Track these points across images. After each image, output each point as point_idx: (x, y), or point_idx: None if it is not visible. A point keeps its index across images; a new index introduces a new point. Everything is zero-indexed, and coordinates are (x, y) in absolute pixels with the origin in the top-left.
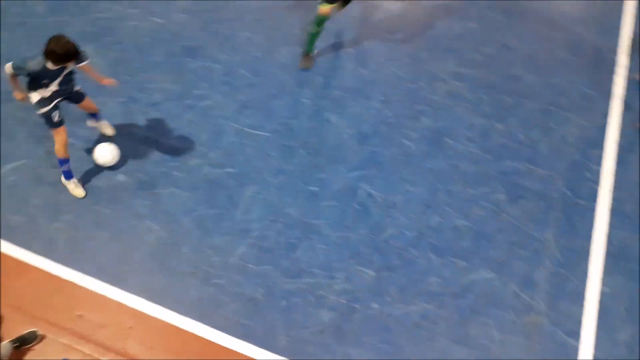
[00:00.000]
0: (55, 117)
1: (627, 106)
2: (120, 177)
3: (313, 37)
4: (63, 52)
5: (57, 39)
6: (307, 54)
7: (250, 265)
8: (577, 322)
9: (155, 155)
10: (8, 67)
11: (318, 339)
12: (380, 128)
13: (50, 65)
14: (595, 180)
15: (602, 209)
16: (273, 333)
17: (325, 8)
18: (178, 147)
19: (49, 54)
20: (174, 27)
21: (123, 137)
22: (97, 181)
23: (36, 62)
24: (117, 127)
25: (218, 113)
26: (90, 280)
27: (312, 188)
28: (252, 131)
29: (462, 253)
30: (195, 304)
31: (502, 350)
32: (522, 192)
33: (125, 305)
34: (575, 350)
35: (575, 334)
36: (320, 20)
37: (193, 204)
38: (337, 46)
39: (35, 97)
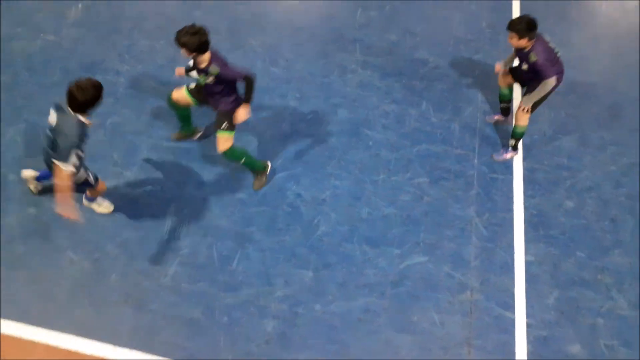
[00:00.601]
0: None
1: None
2: (30, 210)
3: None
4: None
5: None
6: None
7: (184, 285)
8: (510, 294)
9: None
10: (68, 169)
11: (264, 350)
12: (300, 126)
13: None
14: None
15: (517, 179)
16: (217, 351)
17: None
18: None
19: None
20: (68, 43)
21: (28, 167)
22: (5, 217)
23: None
24: (19, 157)
25: (128, 129)
26: (14, 325)
27: (239, 196)
28: (169, 144)
29: (395, 240)
30: (131, 333)
31: (443, 331)
32: (441, 173)
33: (55, 347)
34: (512, 322)
35: (510, 306)
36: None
37: (115, 228)
38: (244, 46)
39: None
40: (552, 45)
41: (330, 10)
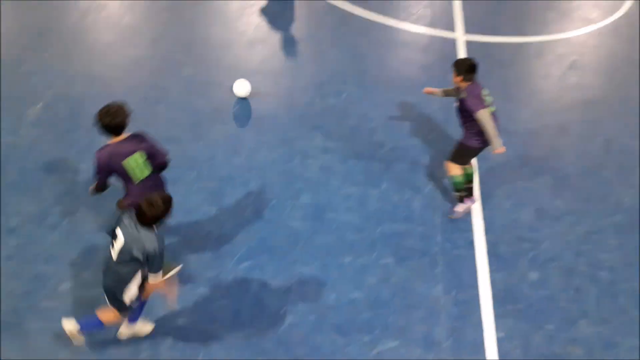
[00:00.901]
0: None
1: (481, 157)
2: None
3: None
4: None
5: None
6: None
7: None
8: None
9: (19, 288)
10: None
11: None
12: (263, 213)
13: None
14: (468, 228)
15: (480, 254)
16: None
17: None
18: (45, 274)
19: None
20: (27, 142)
21: None
22: None
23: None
24: None
25: (88, 227)
26: None
27: (200, 289)
28: None
29: (364, 326)
30: None
31: None
32: (406, 252)
33: None
34: None
35: None
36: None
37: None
38: (206, 138)
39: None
40: (485, 94)
41: (290, 100)
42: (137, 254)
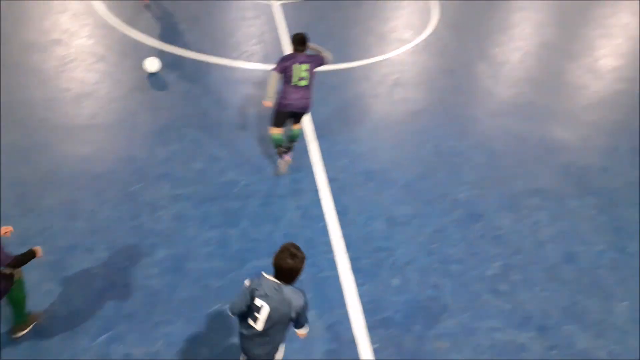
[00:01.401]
0: None
1: (331, 179)
2: None
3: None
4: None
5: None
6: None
7: None
8: None
9: None
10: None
11: None
12: (115, 278)
13: None
14: (329, 250)
15: (344, 272)
16: None
17: None
18: None
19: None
20: None
21: None
22: None
23: None
24: None
25: None
26: None
27: None
28: None
29: None
30: None
31: None
32: None
33: None
34: None
35: None
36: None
37: None
38: (37, 209)
39: None
40: (303, 69)
41: (127, 152)
42: (292, 314)
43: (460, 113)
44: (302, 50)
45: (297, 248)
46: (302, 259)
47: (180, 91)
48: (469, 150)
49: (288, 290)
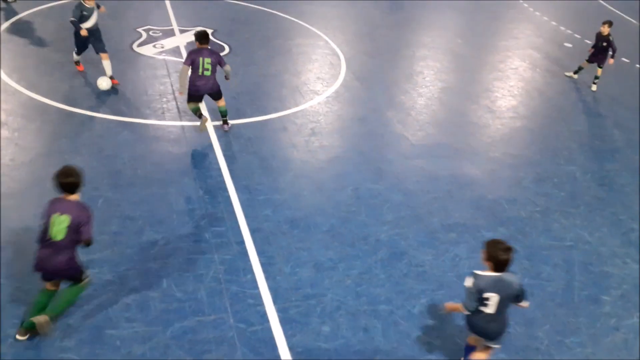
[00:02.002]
0: None
1: (255, 230)
2: None
3: None
4: None
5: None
6: None
7: None
8: None
9: None
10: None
11: None
12: (27, 355)
13: None
14: (258, 302)
15: (274, 324)
16: None
17: None
18: None
19: None
20: None
21: None
22: None
23: None
24: None
25: None
26: None
27: None
28: None
29: None
30: None
31: None
32: (202, 346)
33: None
34: None
35: None
36: None
37: None
38: None
39: None
40: (206, 62)
41: (37, 221)
42: (516, 292)
43: (375, 157)
44: (206, 44)
45: (503, 242)
46: (513, 250)
47: (91, 152)
48: (386, 191)
49: (507, 275)
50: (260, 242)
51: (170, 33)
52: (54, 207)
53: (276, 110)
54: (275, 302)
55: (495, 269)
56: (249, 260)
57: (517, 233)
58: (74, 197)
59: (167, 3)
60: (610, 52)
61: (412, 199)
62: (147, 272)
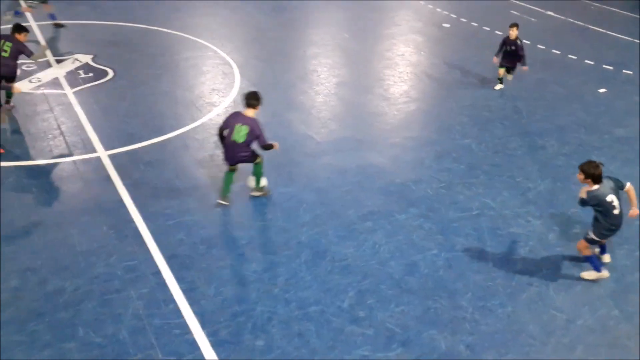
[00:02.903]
0: None
1: (170, 257)
2: None
3: None
4: None
5: None
6: None
7: None
8: None
9: None
10: None
11: None
12: None
13: None
14: (185, 331)
15: (206, 350)
16: None
17: None
18: None
19: None
20: None
21: None
22: None
23: None
24: None
25: None
26: None
27: None
28: None
29: None
30: None
31: None
32: None
33: None
34: None
35: None
36: None
37: None
38: None
39: None
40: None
41: None
42: (617, 183)
43: (283, 161)
44: None
45: (592, 161)
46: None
47: None
48: (299, 193)
49: (605, 181)
50: (178, 268)
51: (45, 65)
52: (236, 119)
53: (173, 129)
54: (203, 327)
55: (595, 182)
56: (168, 290)
57: (428, 211)
58: (250, 113)
59: (37, 32)
60: (520, 57)
61: (326, 196)
62: (59, 324)
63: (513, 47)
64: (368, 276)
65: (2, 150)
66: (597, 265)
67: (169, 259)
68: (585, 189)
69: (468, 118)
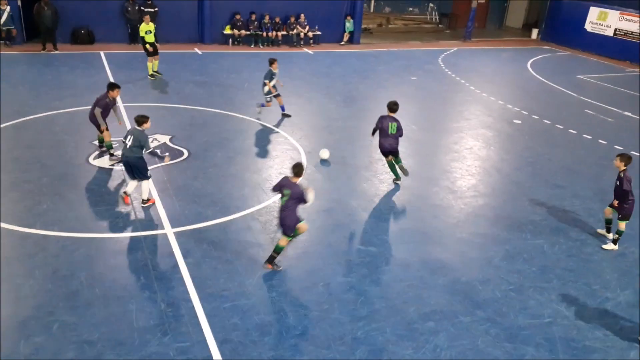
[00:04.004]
0: None
1: (222, 341)
2: None
3: None
4: None
5: None
6: None
7: None
8: None
9: None
10: None
11: None
12: None
13: None
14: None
15: None
16: None
17: None
18: None
19: None
20: None
21: None
22: None
23: None
24: None
25: None
26: None
27: None
28: None
29: None
30: None
31: None
32: None
33: None
34: None
35: None
36: None
37: None
38: None
39: None
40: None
41: None
42: None
43: (343, 249)
44: None
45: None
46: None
47: (45, 274)
48: (358, 284)
49: None
50: (229, 354)
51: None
52: (285, 183)
53: (238, 210)
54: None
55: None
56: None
57: (495, 315)
58: (296, 179)
59: (124, 115)
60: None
61: (386, 290)
62: None
63: (617, 182)
64: None
65: (127, 200)
66: None
67: (221, 344)
68: None
69: (540, 217)
